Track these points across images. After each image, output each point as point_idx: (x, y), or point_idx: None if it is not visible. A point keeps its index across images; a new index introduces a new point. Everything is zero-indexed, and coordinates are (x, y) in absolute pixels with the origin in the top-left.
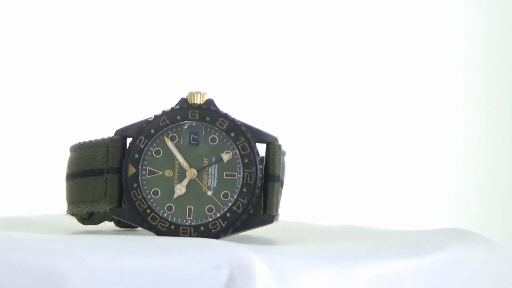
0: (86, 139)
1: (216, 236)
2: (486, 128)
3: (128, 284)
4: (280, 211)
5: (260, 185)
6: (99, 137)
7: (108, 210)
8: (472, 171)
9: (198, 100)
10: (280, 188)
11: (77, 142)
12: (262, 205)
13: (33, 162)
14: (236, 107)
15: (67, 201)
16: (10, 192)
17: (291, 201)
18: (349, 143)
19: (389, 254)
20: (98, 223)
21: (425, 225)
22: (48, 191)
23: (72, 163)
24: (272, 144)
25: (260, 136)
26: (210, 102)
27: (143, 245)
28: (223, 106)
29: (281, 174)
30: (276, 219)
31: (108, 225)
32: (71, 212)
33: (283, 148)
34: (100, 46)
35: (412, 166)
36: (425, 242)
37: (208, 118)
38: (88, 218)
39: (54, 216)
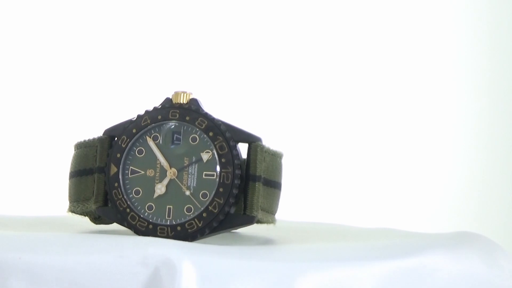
0: (86, 138)
1: (193, 236)
2: (485, 129)
3: (54, 281)
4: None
5: (238, 185)
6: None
7: (94, 209)
8: (472, 171)
9: (182, 100)
10: (275, 190)
11: (78, 141)
12: (243, 205)
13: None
14: (236, 107)
15: (68, 199)
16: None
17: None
18: (348, 143)
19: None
20: (109, 223)
21: (424, 225)
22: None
23: (72, 162)
24: (253, 144)
25: (241, 136)
26: (193, 102)
27: (78, 243)
28: (222, 106)
29: (277, 177)
30: (262, 220)
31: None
32: (70, 210)
33: (280, 150)
34: (105, 45)
35: (411, 166)
36: (397, 245)
37: (187, 118)
38: (98, 218)
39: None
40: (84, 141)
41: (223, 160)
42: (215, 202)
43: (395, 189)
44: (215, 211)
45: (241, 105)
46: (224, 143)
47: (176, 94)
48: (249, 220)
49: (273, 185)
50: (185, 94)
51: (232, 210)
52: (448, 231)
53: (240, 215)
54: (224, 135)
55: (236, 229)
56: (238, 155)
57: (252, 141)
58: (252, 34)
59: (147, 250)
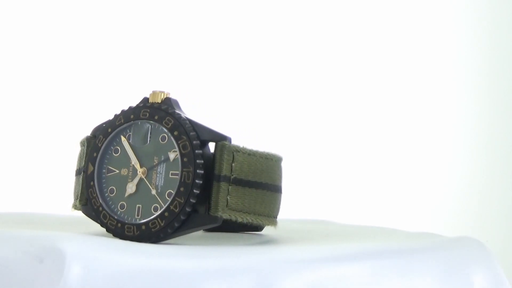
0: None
1: (157, 235)
2: (485, 129)
3: None
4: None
5: (199, 184)
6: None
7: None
8: (471, 172)
9: (157, 99)
10: (257, 190)
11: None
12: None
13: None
14: (237, 107)
15: None
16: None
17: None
18: (348, 143)
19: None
20: None
21: (423, 226)
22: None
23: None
24: (219, 143)
25: (207, 135)
26: (166, 101)
27: None
28: (222, 106)
29: (258, 177)
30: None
31: None
32: (73, 207)
33: (280, 154)
34: (111, 43)
35: (410, 166)
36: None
37: (156, 117)
38: None
39: None
40: (82, 140)
41: (185, 159)
42: (176, 201)
43: (394, 188)
44: (176, 210)
45: (241, 105)
46: (187, 142)
47: (153, 93)
48: (213, 220)
49: (252, 185)
50: (161, 94)
51: (201, 210)
52: (444, 236)
53: (203, 215)
54: (188, 134)
55: (202, 229)
56: (201, 154)
57: (218, 140)
58: (251, 35)
59: (32, 242)
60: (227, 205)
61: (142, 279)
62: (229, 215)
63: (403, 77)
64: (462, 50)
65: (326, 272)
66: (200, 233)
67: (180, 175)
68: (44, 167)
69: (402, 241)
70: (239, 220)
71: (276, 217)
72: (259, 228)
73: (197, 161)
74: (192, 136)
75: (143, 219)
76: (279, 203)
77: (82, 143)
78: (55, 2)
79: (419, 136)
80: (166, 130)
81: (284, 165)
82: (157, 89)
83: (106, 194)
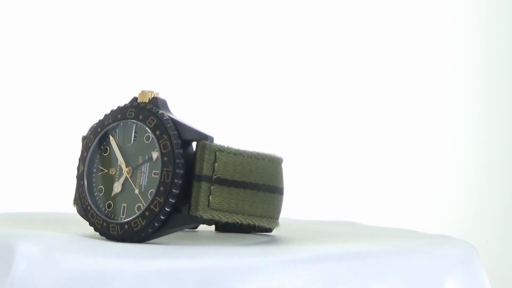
0: None
1: (139, 235)
2: (485, 129)
3: None
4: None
5: (178, 184)
6: None
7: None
8: (470, 172)
9: (145, 99)
10: (245, 190)
11: None
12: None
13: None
14: (239, 108)
15: None
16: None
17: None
18: (347, 143)
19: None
20: None
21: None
22: None
23: None
24: (200, 143)
25: (189, 134)
26: (152, 101)
27: None
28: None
29: (246, 177)
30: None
31: None
32: None
33: (280, 155)
34: (110, 44)
35: (410, 166)
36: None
37: (141, 117)
38: None
39: None
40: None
41: (165, 158)
42: (156, 201)
43: (394, 188)
44: (156, 210)
45: (244, 106)
46: (167, 142)
47: (142, 93)
48: (193, 220)
49: (240, 185)
50: (149, 93)
51: (183, 210)
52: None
53: (184, 215)
54: (168, 134)
55: (183, 229)
56: (181, 153)
57: (199, 139)
58: (251, 35)
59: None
60: (208, 205)
61: (88, 280)
62: (212, 215)
63: (403, 77)
64: (462, 50)
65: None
66: (183, 233)
67: (160, 175)
68: (47, 166)
69: (383, 241)
70: (224, 220)
71: (276, 218)
72: (267, 229)
73: (177, 160)
74: (173, 135)
75: (127, 219)
76: (278, 204)
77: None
78: (57, 2)
79: (419, 136)
80: (149, 130)
81: (296, 166)
82: (146, 89)
83: (96, 194)
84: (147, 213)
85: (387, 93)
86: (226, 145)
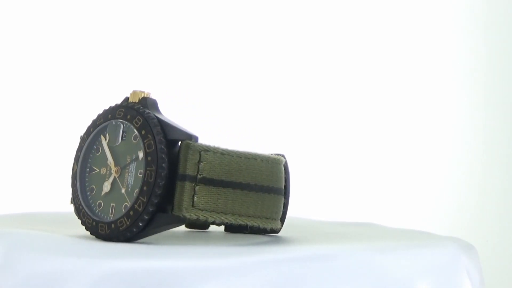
0: None
1: (124, 234)
2: (483, 129)
3: None
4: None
5: (161, 184)
6: None
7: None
8: (470, 172)
9: (135, 99)
10: (234, 190)
11: None
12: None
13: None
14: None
15: None
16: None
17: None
18: (346, 143)
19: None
20: None
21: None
22: None
23: None
24: (184, 143)
25: (173, 134)
26: (142, 101)
27: None
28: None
29: (235, 177)
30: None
31: None
32: None
33: (281, 156)
34: (112, 44)
35: (410, 166)
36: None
37: (129, 116)
38: None
39: None
40: None
41: (149, 158)
42: (139, 200)
43: (393, 188)
44: (140, 209)
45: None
46: (152, 141)
47: (133, 93)
48: (177, 220)
49: (228, 185)
50: (140, 93)
51: (169, 210)
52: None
53: (169, 215)
54: (153, 133)
55: (167, 229)
56: (165, 153)
57: (183, 139)
58: (252, 35)
59: None
60: (193, 205)
61: (41, 280)
62: (197, 215)
63: (405, 79)
64: (461, 50)
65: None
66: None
67: (143, 174)
68: (47, 166)
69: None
70: (211, 220)
71: (273, 219)
72: (264, 230)
73: (160, 160)
74: (158, 135)
75: (114, 218)
76: (275, 204)
77: None
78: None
79: (419, 136)
80: (135, 130)
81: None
82: (138, 89)
83: (88, 193)
84: (131, 213)
85: (388, 95)
86: (213, 145)
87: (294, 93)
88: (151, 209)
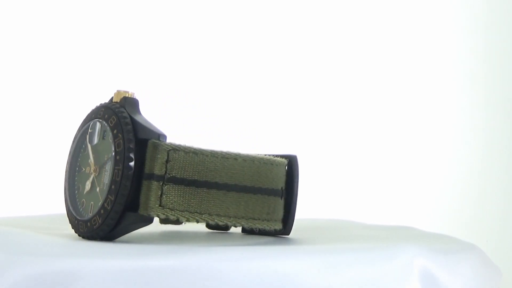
0: None
1: (98, 233)
2: (483, 130)
3: None
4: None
5: (127, 183)
6: None
7: None
8: (468, 172)
9: (117, 99)
10: (209, 190)
11: None
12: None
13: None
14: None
15: None
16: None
17: None
18: (346, 143)
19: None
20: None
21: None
22: None
23: None
24: (150, 142)
25: (142, 132)
26: (122, 101)
27: None
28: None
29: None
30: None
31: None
32: None
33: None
34: (115, 44)
35: (410, 166)
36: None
37: (106, 116)
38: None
39: None
40: None
41: (117, 157)
42: (108, 199)
43: (393, 188)
44: (108, 208)
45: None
46: (121, 141)
47: (117, 93)
48: (144, 219)
49: (202, 184)
50: (123, 93)
51: (138, 209)
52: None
53: (137, 214)
54: (122, 132)
55: (137, 228)
56: (133, 152)
57: (149, 138)
58: (251, 36)
59: None
60: (160, 204)
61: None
62: (166, 214)
63: (406, 80)
64: (461, 51)
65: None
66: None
67: (111, 173)
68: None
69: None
70: (183, 219)
71: (264, 220)
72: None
73: (127, 159)
74: (127, 134)
75: (90, 216)
76: (264, 205)
77: None
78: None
79: (419, 135)
80: (109, 129)
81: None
82: (122, 89)
83: (76, 192)
84: (102, 211)
85: (388, 95)
86: (184, 144)
87: (294, 93)
88: (118, 208)
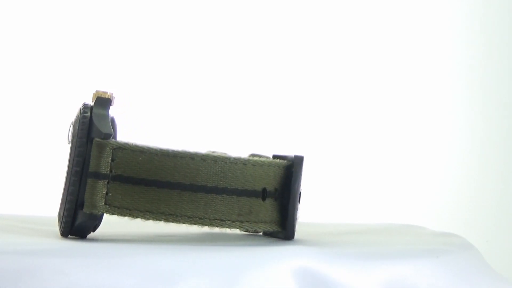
0: None
1: (64, 229)
2: (481, 130)
3: None
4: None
5: (74, 181)
6: None
7: None
8: (466, 172)
9: (94, 98)
10: (159, 189)
11: None
12: None
13: None
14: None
15: None
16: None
17: None
18: (345, 143)
19: None
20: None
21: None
22: None
23: None
24: (95, 141)
25: (93, 132)
26: (95, 100)
27: None
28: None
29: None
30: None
31: None
32: None
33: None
34: (115, 44)
35: (410, 166)
36: None
37: (76, 116)
38: None
39: None
40: None
41: (71, 155)
42: (63, 197)
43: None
44: (63, 206)
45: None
46: (76, 139)
47: (96, 93)
48: (90, 217)
49: (151, 183)
50: (101, 93)
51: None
52: None
53: (84, 212)
54: (78, 131)
55: (92, 225)
56: (82, 151)
57: (96, 137)
58: (252, 36)
59: None
60: (105, 203)
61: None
62: (112, 213)
63: (403, 78)
64: (459, 51)
65: None
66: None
67: (67, 172)
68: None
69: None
70: (134, 218)
71: (229, 220)
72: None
73: (75, 158)
74: (80, 133)
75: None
76: (231, 205)
77: None
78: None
79: (418, 135)
80: (76, 129)
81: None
82: (100, 89)
83: (63, 190)
84: (64, 208)
85: (387, 96)
86: (132, 143)
87: (294, 93)
88: (70, 206)
